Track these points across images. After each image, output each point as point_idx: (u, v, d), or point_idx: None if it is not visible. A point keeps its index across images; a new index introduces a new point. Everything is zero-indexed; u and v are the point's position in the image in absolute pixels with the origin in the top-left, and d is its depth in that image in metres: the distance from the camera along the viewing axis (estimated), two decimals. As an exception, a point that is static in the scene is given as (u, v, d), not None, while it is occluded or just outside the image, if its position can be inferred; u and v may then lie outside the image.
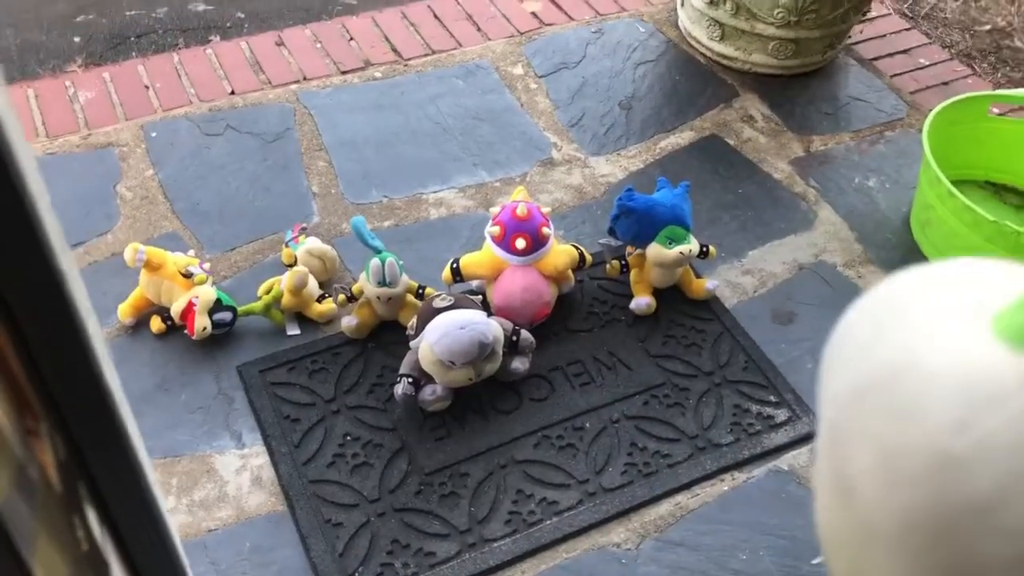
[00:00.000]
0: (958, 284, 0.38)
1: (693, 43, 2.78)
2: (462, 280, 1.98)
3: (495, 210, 1.99)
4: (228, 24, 2.95)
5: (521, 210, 1.93)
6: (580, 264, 2.02)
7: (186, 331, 1.91)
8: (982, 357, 0.34)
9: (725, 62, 2.72)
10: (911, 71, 2.78)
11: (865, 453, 0.35)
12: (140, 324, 1.95)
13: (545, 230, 1.94)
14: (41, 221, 0.33)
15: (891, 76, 2.75)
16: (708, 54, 2.74)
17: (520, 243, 1.92)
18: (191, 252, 2.00)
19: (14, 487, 0.33)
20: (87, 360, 0.36)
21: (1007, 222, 1.99)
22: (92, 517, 0.41)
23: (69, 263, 0.36)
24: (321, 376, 1.90)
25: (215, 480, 1.74)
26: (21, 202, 0.32)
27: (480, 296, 1.98)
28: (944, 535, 0.32)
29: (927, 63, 2.82)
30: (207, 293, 1.91)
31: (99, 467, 0.39)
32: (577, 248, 2.02)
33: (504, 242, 1.93)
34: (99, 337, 0.38)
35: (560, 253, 1.98)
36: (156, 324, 1.94)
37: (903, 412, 0.34)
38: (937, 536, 0.33)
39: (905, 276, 0.41)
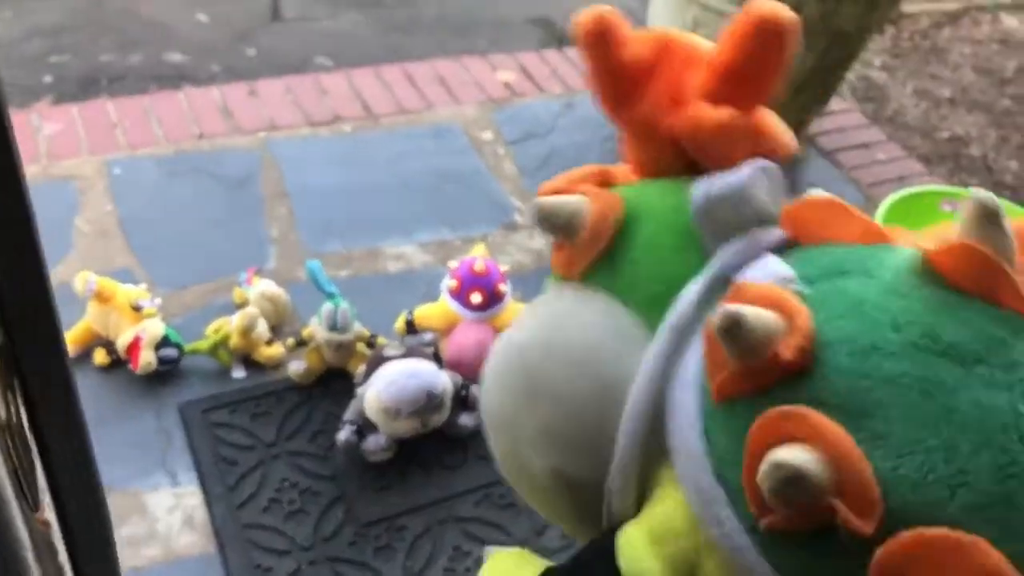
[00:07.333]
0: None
1: (660, 123, 2.83)
2: (415, 332, 1.96)
3: (453, 264, 1.99)
4: (202, 76, 2.97)
5: (479, 265, 1.93)
6: (535, 325, 2.01)
7: (130, 366, 1.88)
8: None
9: (690, 143, 2.77)
10: (868, 165, 2.85)
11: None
12: (84, 356, 1.91)
13: (502, 287, 1.94)
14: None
15: (850, 169, 2.82)
16: (674, 134, 2.79)
17: (476, 298, 1.91)
18: (143, 286, 1.98)
19: None
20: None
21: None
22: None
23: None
24: (263, 420, 1.86)
25: (146, 518, 1.69)
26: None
27: (432, 348, 1.96)
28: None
29: (885, 159, 2.89)
30: (155, 328, 1.88)
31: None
32: (533, 309, 2.02)
33: (460, 296, 1.93)
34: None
35: (516, 312, 1.98)
36: (100, 356, 1.90)
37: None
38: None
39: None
